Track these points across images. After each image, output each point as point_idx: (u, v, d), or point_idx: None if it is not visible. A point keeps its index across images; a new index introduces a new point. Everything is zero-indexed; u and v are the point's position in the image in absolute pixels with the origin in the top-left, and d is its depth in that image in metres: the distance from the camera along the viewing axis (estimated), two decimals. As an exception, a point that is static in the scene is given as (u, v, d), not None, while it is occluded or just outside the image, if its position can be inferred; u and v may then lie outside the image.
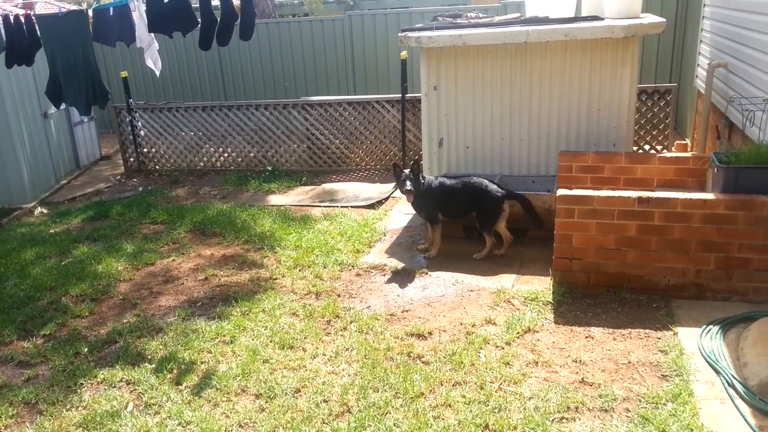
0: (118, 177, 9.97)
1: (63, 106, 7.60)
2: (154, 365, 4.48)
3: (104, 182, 9.80)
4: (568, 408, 3.68)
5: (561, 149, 6.30)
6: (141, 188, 9.27)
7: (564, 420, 3.60)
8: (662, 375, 3.90)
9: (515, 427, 3.55)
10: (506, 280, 5.37)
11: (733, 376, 3.74)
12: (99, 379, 4.39)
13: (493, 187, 5.81)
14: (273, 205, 7.93)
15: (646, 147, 8.22)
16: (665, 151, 8.02)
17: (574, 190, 4.98)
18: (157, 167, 10.02)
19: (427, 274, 5.62)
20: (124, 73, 10.02)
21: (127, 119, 9.82)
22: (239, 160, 9.70)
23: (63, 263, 6.50)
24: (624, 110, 6.25)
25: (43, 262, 6.61)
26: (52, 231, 7.66)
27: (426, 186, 5.92)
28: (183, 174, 9.76)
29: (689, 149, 8.08)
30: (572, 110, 6.33)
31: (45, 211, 8.69)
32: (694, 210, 4.54)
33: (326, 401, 3.92)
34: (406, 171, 5.85)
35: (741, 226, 4.49)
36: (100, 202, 8.71)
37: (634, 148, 7.68)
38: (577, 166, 5.92)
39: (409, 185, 5.76)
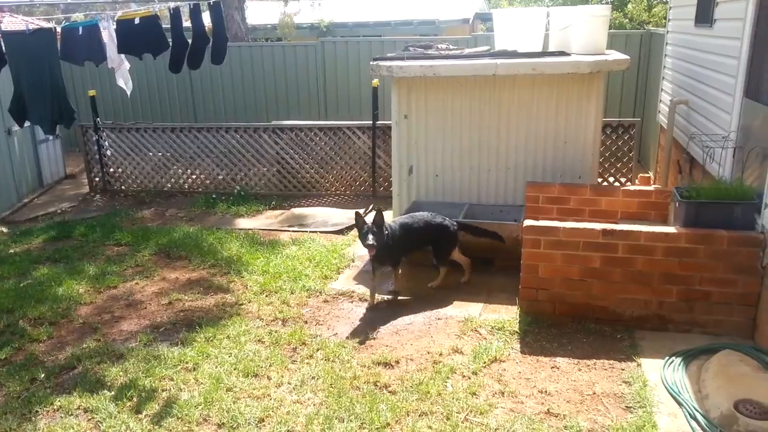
0: (83, 197, 9.78)
1: (27, 124, 7.46)
2: (113, 393, 4.35)
3: (68, 202, 9.61)
4: (534, 439, 3.68)
5: (528, 180, 6.40)
6: (106, 209, 9.10)
7: (529, 451, 3.60)
8: (626, 406, 3.94)
9: (481, 459, 3.54)
10: (474, 309, 5.39)
11: (695, 408, 3.79)
12: (55, 407, 4.24)
13: (447, 221, 5.81)
14: (241, 229, 7.86)
15: (611, 179, 8.41)
16: (629, 183, 8.21)
17: (541, 221, 5.06)
18: (123, 187, 9.86)
19: (395, 301, 5.61)
20: (92, 92, 9.89)
21: (94, 138, 9.67)
22: (207, 182, 9.61)
23: (22, 285, 6.31)
24: (589, 143, 6.40)
25: (0, 283, 6.41)
26: (11, 251, 7.44)
27: (390, 235, 5.48)
28: (149, 195, 9.62)
29: (652, 182, 8.29)
30: (539, 142, 6.45)
31: (5, 230, 8.45)
32: (657, 243, 4.64)
33: None
34: (369, 223, 5.35)
35: (702, 260, 4.60)
36: (62, 222, 8.51)
37: (599, 180, 7.85)
38: (543, 197, 6.03)
39: (371, 239, 5.24)
